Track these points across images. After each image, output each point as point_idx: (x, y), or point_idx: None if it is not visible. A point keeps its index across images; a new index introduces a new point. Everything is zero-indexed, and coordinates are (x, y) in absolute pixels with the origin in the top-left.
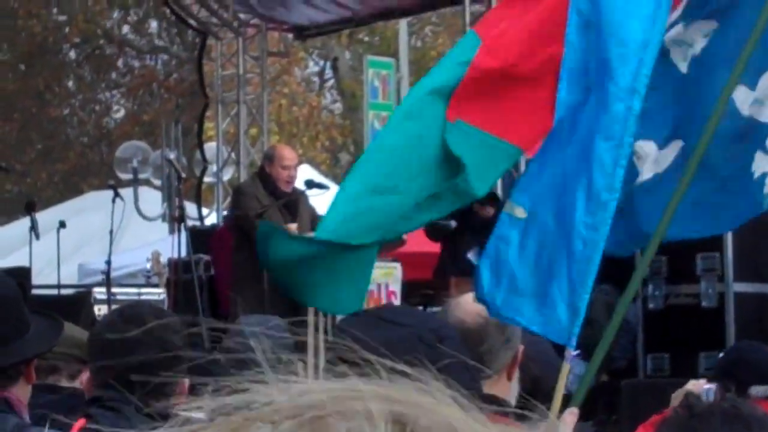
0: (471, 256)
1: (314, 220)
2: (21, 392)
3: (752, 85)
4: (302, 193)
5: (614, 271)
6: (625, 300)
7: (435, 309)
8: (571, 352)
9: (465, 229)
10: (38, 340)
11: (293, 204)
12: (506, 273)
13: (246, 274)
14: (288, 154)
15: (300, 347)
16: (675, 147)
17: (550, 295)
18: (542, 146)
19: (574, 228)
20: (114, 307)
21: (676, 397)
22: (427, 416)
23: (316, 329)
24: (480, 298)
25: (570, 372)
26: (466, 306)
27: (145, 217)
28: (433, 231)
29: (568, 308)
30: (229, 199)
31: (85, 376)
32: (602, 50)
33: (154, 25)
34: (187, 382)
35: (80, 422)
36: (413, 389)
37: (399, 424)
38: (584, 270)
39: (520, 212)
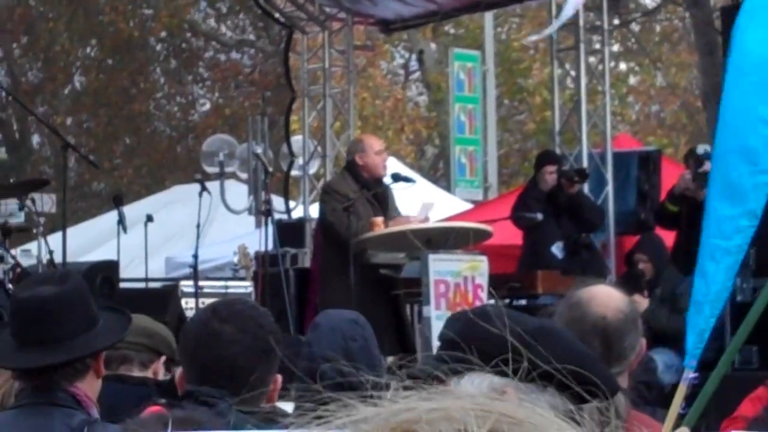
0: (555, 249)
1: (394, 208)
2: (89, 387)
3: None
4: (388, 187)
5: None
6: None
7: (521, 302)
8: (690, 373)
9: (550, 221)
10: (106, 334)
11: (382, 196)
12: None
13: (333, 269)
14: (376, 141)
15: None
16: None
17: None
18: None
19: (708, 249)
20: (201, 300)
21: None
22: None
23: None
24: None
25: (660, 362)
26: (604, 300)
27: (231, 211)
28: (519, 224)
29: (694, 331)
30: (315, 193)
31: (157, 365)
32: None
33: (240, 18)
34: (279, 378)
35: (152, 409)
36: (514, 404)
37: None
38: (716, 293)
39: None
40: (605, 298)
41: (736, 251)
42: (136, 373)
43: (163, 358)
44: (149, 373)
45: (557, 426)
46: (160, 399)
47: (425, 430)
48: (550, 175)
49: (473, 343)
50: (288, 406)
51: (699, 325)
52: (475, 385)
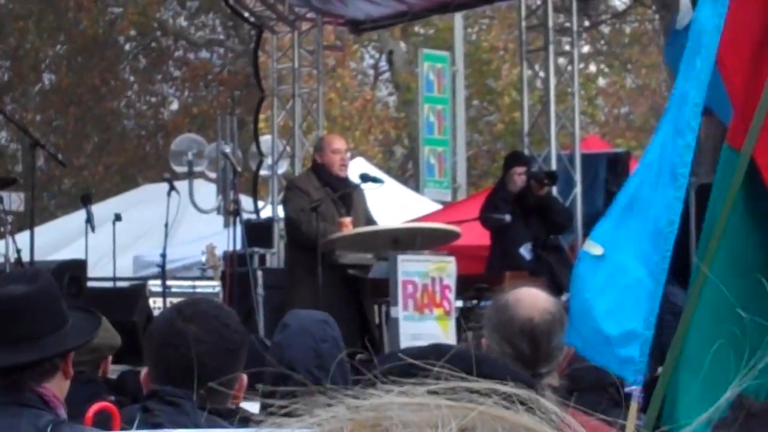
0: (523, 251)
1: (369, 218)
2: (57, 387)
3: None
4: (357, 186)
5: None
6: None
7: (489, 303)
8: (639, 389)
9: (518, 222)
10: (75, 334)
11: (348, 196)
12: (585, 312)
13: (301, 269)
14: (336, 139)
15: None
16: None
17: (628, 337)
18: (628, 181)
19: (648, 267)
20: (169, 299)
21: None
22: (494, 424)
23: (379, 328)
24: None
25: None
26: (531, 302)
27: (200, 210)
28: (488, 222)
29: (640, 347)
30: (284, 193)
31: (105, 364)
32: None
33: (209, 17)
34: (245, 377)
35: (100, 405)
36: (486, 400)
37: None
38: (653, 307)
39: (597, 250)
40: (532, 300)
41: (662, 260)
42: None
43: (110, 357)
44: (99, 373)
45: (541, 427)
46: (109, 396)
47: (396, 423)
48: (519, 177)
49: None
50: (254, 407)
51: (642, 340)
52: None
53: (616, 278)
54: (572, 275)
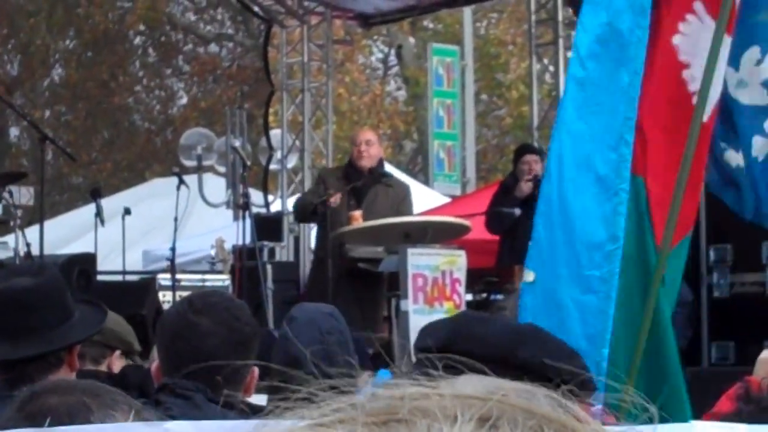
0: None
1: (401, 205)
2: None
3: (736, 66)
4: (379, 180)
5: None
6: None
7: (499, 297)
8: (599, 407)
9: (528, 217)
10: (81, 327)
11: (361, 190)
12: None
13: (313, 262)
14: (360, 131)
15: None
16: None
17: None
18: (539, 205)
19: (583, 283)
20: (178, 293)
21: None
22: (515, 414)
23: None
24: None
25: None
26: None
27: (209, 204)
28: (496, 220)
29: (590, 365)
30: (293, 187)
31: (111, 360)
32: (588, 105)
33: (218, 12)
34: (256, 370)
35: None
36: (510, 390)
37: (482, 421)
38: (602, 324)
39: (530, 276)
40: None
41: (610, 277)
42: (89, 366)
43: (117, 353)
44: (102, 368)
45: (565, 418)
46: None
47: (413, 412)
48: (525, 184)
49: (462, 349)
50: (262, 399)
51: (595, 359)
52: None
53: (547, 302)
54: (519, 308)
